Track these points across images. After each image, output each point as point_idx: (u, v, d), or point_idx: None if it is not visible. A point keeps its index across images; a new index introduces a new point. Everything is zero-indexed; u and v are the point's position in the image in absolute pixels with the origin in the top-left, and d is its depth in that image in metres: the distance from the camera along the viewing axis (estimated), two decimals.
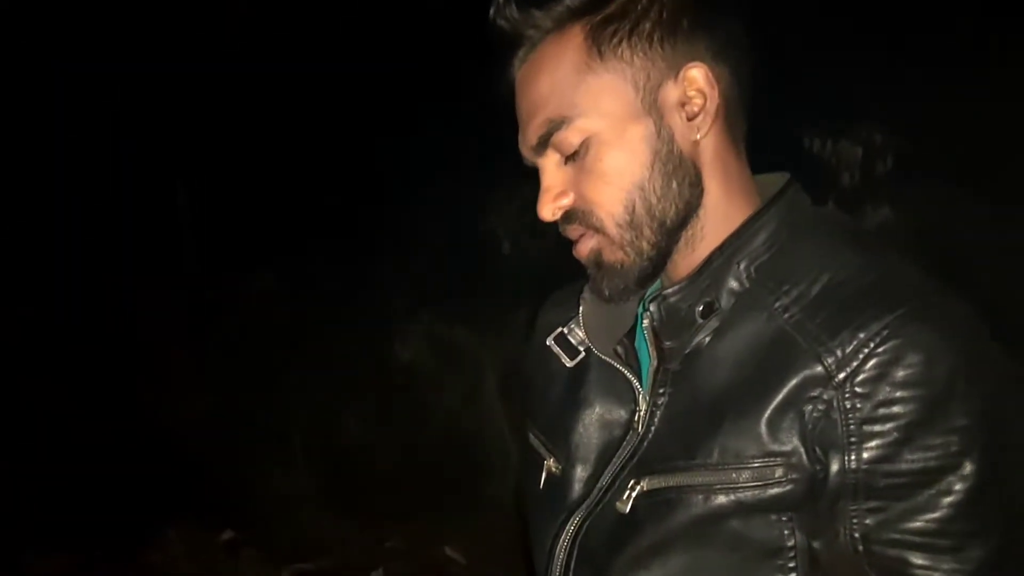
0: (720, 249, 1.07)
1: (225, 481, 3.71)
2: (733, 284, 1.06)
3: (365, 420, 3.99)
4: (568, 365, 1.20)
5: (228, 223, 4.62)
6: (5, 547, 3.54)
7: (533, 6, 1.07)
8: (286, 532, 3.52)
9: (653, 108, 1.06)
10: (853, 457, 0.94)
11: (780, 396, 0.97)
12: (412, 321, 4.04)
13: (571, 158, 1.07)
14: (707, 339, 1.05)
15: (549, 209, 1.09)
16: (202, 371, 4.17)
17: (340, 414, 3.98)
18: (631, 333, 1.18)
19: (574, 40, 1.06)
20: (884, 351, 0.93)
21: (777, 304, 1.02)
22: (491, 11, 1.10)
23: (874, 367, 0.94)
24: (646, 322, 1.09)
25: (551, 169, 1.09)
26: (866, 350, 0.94)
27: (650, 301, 1.09)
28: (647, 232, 1.06)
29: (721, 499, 1.00)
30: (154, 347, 4.29)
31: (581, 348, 1.19)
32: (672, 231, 1.07)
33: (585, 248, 1.09)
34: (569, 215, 1.08)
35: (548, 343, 1.21)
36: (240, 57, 4.59)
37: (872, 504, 0.95)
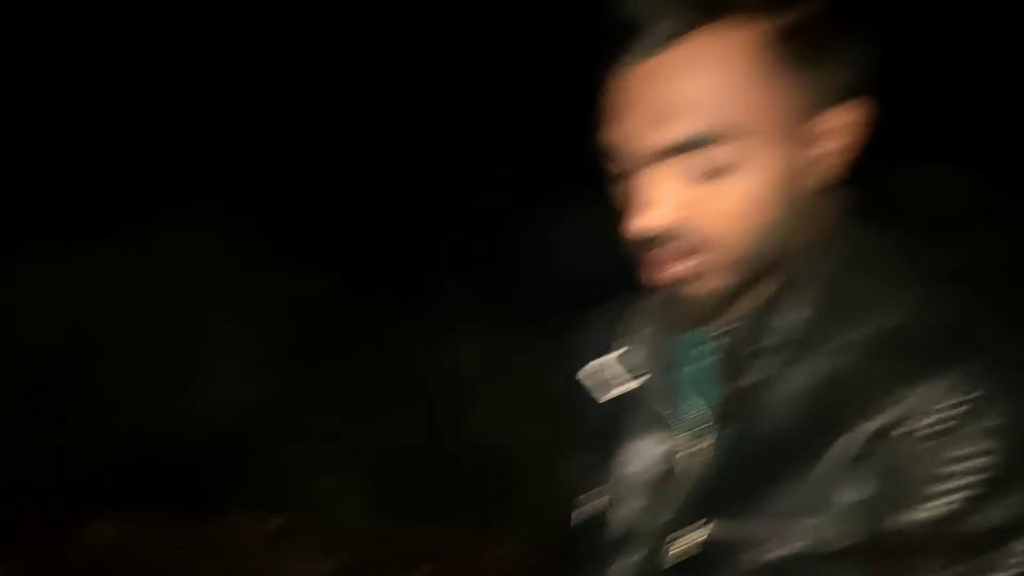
0: (788, 281, 0.98)
1: (278, 473, 3.78)
2: (792, 318, 0.98)
3: (414, 423, 4.05)
4: (610, 396, 1.11)
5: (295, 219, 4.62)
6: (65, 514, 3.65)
7: None
8: (333, 526, 3.57)
9: (806, 141, 0.93)
10: (924, 514, 0.86)
11: (846, 446, 0.90)
12: (467, 325, 4.05)
13: (705, 175, 0.92)
14: (766, 378, 0.97)
15: (654, 224, 0.93)
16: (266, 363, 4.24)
17: (390, 415, 4.02)
18: (678, 362, 1.08)
19: (750, 42, 0.90)
20: (960, 403, 0.86)
21: (840, 342, 0.95)
22: None
23: (949, 420, 0.86)
24: (704, 362, 1.02)
25: (668, 180, 0.93)
26: (942, 401, 0.86)
27: (712, 339, 1.01)
28: (756, 268, 0.96)
29: (780, 552, 0.92)
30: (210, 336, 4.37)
31: (625, 378, 1.10)
32: (775, 268, 0.97)
33: (676, 271, 0.95)
34: (668, 235, 0.94)
35: (590, 371, 1.13)
36: None
37: (943, 560, 0.87)
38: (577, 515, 1.16)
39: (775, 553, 0.93)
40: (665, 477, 1.04)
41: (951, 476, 0.86)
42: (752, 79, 0.90)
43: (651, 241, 0.94)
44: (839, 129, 0.95)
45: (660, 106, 0.91)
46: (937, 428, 0.86)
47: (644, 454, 1.07)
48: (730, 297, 0.97)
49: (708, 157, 0.91)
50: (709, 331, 1.03)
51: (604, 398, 1.11)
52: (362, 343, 4.42)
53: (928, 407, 0.87)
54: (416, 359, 4.30)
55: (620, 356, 1.10)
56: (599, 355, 1.13)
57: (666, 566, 1.01)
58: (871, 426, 0.89)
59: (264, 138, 4.82)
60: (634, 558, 1.05)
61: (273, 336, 4.39)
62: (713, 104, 0.90)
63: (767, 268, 0.97)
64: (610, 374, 1.11)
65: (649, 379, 1.08)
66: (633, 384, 1.09)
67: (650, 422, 1.07)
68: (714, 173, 0.92)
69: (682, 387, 1.06)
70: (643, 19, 0.91)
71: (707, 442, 1.00)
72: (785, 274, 0.98)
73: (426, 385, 4.30)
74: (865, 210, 1.04)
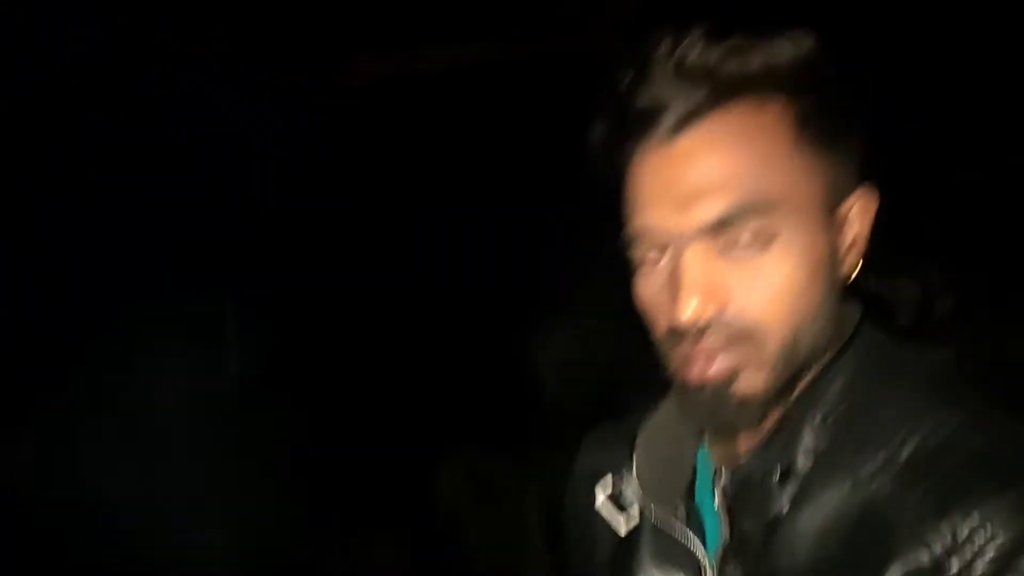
0: (796, 403, 0.93)
1: None
2: (809, 442, 0.92)
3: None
4: (619, 529, 1.06)
5: None
6: None
7: (722, 59, 0.89)
8: None
9: (831, 225, 0.92)
10: None
11: None
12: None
13: (742, 253, 0.89)
14: (784, 508, 0.91)
15: (698, 309, 0.88)
16: None
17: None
18: (690, 486, 1.03)
19: (777, 118, 0.90)
20: (1007, 537, 0.79)
21: (863, 469, 0.88)
22: (645, 57, 0.90)
23: (995, 559, 0.79)
24: (719, 496, 0.95)
25: (704, 261, 0.89)
26: (983, 536, 0.79)
27: (721, 471, 0.96)
28: (795, 364, 0.91)
29: None
30: None
31: (634, 506, 1.05)
32: (804, 372, 0.93)
33: (721, 369, 0.90)
34: (710, 325, 0.90)
35: (596, 497, 1.07)
36: None
37: None
38: None
39: None
40: None
41: None
42: (779, 155, 0.89)
43: (689, 333, 0.90)
44: (855, 216, 0.93)
45: (693, 185, 0.89)
46: (996, 565, 0.79)
47: None
48: (763, 407, 0.92)
49: (747, 231, 0.88)
50: (727, 458, 0.97)
51: (623, 526, 1.05)
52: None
53: (984, 539, 0.79)
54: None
55: (638, 477, 1.02)
56: (608, 480, 1.07)
57: None
58: (913, 566, 0.82)
59: None
60: None
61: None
62: (747, 177, 0.88)
63: (802, 373, 0.93)
64: (628, 497, 1.05)
65: (666, 510, 1.01)
66: (646, 514, 1.03)
67: (668, 558, 1.01)
68: (754, 246, 0.89)
69: (703, 519, 1.01)
70: (660, 102, 0.89)
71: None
72: (801, 391, 0.94)
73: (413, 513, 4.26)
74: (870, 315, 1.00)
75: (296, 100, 4.40)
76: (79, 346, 4.03)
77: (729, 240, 0.89)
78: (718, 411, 0.92)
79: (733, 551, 0.94)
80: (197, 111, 4.14)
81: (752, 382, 0.91)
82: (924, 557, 0.81)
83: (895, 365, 0.96)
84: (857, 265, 0.94)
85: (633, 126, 0.91)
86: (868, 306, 1.00)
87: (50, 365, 3.95)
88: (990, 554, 0.79)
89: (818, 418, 0.92)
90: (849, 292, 0.98)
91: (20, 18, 3.79)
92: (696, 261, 0.89)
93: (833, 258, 0.92)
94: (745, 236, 0.88)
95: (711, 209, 0.88)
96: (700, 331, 0.90)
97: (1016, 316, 3.27)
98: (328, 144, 4.60)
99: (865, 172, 0.95)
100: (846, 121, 0.93)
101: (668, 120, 0.89)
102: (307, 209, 4.50)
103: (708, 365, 0.90)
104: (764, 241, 0.89)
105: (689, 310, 0.88)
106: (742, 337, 0.90)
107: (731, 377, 0.91)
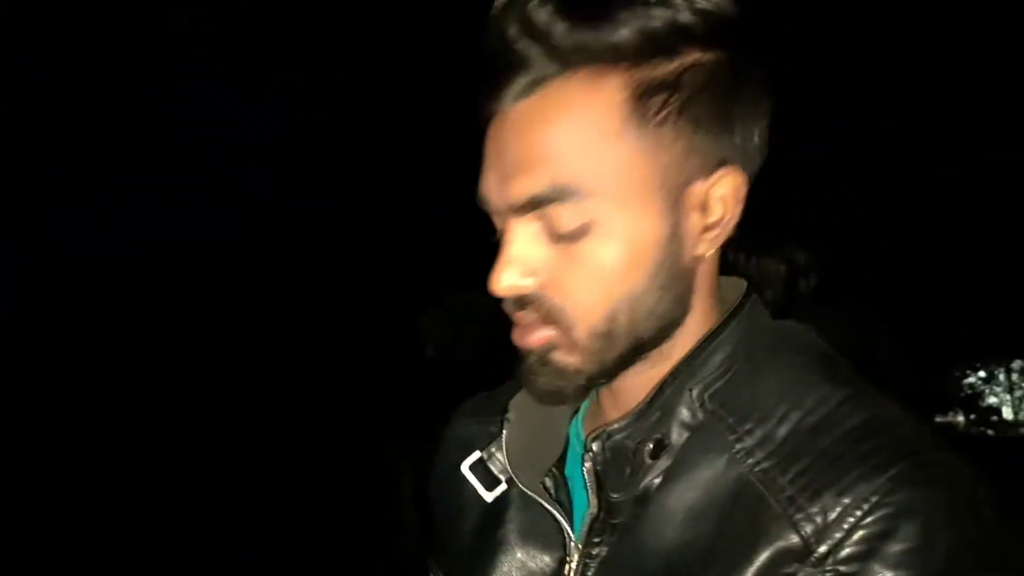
0: (672, 375, 0.89)
1: None
2: (685, 415, 0.88)
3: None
4: (486, 498, 1.00)
5: None
6: None
7: (565, 26, 0.82)
8: None
9: (675, 207, 0.86)
10: None
11: (748, 572, 0.80)
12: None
13: (559, 236, 0.85)
14: (656, 482, 0.87)
15: (509, 286, 0.86)
16: None
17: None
18: (561, 460, 0.98)
19: (612, 94, 0.83)
20: (874, 522, 0.77)
21: (739, 446, 0.85)
22: (498, 12, 0.86)
23: (862, 541, 0.77)
24: (588, 464, 0.90)
25: (525, 238, 0.86)
26: (852, 519, 0.77)
27: (592, 439, 0.90)
28: (619, 346, 0.87)
29: None
30: None
31: (502, 477, 0.99)
32: (644, 349, 0.88)
33: (536, 339, 0.88)
34: (527, 299, 0.87)
35: (463, 470, 1.00)
36: None
37: None
38: None
39: None
40: None
41: None
42: (604, 137, 0.83)
43: (509, 302, 0.88)
44: (716, 198, 0.86)
45: (513, 158, 0.85)
46: (862, 548, 0.77)
47: (528, 566, 0.96)
48: (608, 377, 0.89)
49: (563, 215, 0.83)
50: (600, 428, 0.91)
51: (490, 495, 1.00)
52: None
53: (852, 523, 0.78)
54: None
55: (507, 446, 0.98)
56: (478, 448, 1.02)
57: None
58: (782, 548, 0.79)
59: None
60: None
61: None
62: (562, 161, 0.83)
63: (640, 351, 0.89)
64: (496, 466, 1.00)
65: (534, 476, 0.97)
66: (513, 485, 0.98)
67: (533, 534, 0.96)
68: (572, 233, 0.84)
69: (572, 493, 0.96)
70: (506, 67, 0.85)
71: (596, 551, 0.90)
72: (673, 362, 0.90)
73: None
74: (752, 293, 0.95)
75: (296, 100, 4.39)
76: (77, 349, 4.04)
77: (548, 221, 0.85)
78: (539, 377, 0.89)
79: (600, 524, 0.89)
80: (197, 111, 4.15)
81: (569, 360, 0.88)
82: (794, 539, 0.79)
83: (777, 342, 0.92)
84: (714, 247, 0.89)
85: (486, 88, 0.87)
86: (752, 282, 0.96)
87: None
88: (857, 537, 0.77)
89: (695, 391, 0.89)
90: (727, 267, 0.93)
91: (20, 18, 3.80)
92: (518, 235, 0.86)
93: (673, 241, 0.86)
94: (562, 220, 0.84)
95: (523, 188, 0.84)
96: (516, 303, 0.87)
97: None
98: (328, 144, 4.60)
99: (740, 157, 0.88)
100: (706, 100, 0.85)
101: (509, 88, 0.85)
102: (307, 209, 4.50)
103: (530, 335, 0.88)
104: (581, 228, 0.84)
105: (500, 282, 0.86)
106: (556, 318, 0.86)
107: (548, 350, 0.88)
